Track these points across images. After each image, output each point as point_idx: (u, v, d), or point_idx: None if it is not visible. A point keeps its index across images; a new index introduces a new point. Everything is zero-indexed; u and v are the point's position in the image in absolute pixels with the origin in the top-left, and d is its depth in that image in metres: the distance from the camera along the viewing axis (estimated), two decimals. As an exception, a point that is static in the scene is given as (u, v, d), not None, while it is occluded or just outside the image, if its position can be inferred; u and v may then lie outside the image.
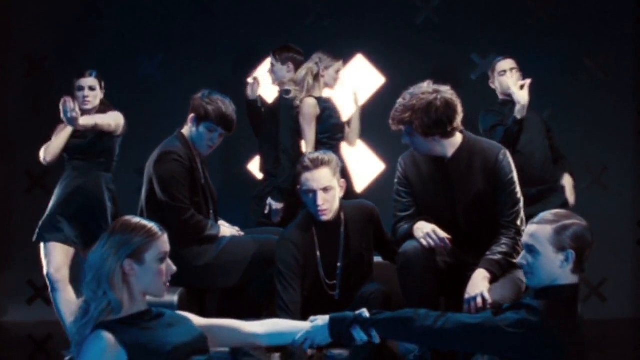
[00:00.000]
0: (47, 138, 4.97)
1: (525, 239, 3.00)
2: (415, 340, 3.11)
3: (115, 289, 2.68)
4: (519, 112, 4.95)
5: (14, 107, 6.42)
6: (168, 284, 2.81)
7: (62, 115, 4.55)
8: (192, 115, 4.27)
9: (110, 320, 2.68)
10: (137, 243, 2.71)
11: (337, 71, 5.50)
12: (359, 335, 2.93)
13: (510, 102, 5.11)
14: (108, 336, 2.62)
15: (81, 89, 4.95)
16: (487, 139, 4.67)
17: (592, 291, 6.33)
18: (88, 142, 4.89)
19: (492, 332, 2.86)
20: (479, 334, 2.88)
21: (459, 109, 3.76)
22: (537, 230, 2.94)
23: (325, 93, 5.50)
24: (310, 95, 5.29)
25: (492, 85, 5.33)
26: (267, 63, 6.11)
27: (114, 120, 4.88)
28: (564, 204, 5.08)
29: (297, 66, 5.55)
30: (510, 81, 5.09)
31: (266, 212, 5.39)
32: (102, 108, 4.97)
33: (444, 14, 6.63)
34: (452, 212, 3.80)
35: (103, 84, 5.03)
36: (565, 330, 2.88)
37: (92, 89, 4.95)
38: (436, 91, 3.73)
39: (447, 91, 3.76)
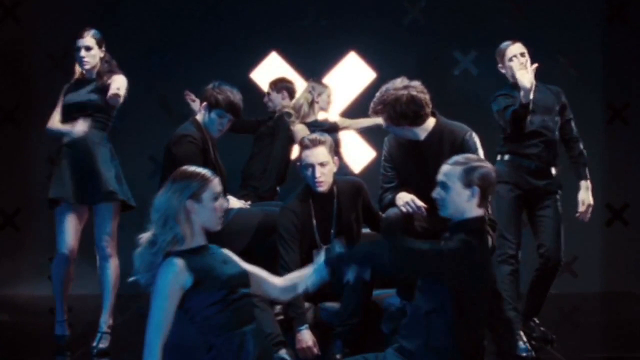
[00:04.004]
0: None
1: (439, 176, 3.35)
2: (383, 271, 3.42)
3: (180, 224, 3.12)
4: (524, 97, 4.64)
5: (38, 101, 6.57)
6: (222, 218, 3.24)
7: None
8: (204, 104, 4.60)
9: (177, 250, 3.12)
10: (196, 186, 3.15)
11: (329, 95, 6.12)
12: (350, 275, 3.23)
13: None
14: (179, 262, 3.05)
15: (78, 49, 4.79)
16: (501, 119, 4.87)
17: (564, 268, 6.50)
18: (89, 99, 4.76)
19: (436, 256, 3.20)
20: (423, 257, 3.22)
21: (425, 102, 4.07)
22: (449, 169, 3.33)
23: (320, 115, 6.10)
24: (302, 122, 5.91)
25: (501, 70, 5.04)
26: (267, 60, 6.66)
27: (125, 88, 4.78)
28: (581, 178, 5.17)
29: (290, 93, 6.21)
30: (515, 65, 4.85)
31: None
32: (106, 68, 4.82)
33: (429, 15, 6.94)
34: (427, 185, 3.96)
35: (103, 46, 4.84)
36: (478, 254, 3.25)
37: (88, 49, 4.77)
38: (406, 87, 4.06)
39: (416, 87, 4.08)
